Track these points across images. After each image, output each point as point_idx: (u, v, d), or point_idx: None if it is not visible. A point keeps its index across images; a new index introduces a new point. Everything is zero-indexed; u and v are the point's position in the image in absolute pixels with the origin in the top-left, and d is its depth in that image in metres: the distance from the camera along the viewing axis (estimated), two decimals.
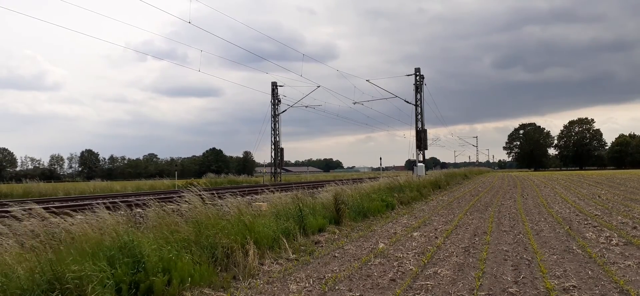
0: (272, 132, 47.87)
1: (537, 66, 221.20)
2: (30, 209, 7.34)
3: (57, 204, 15.45)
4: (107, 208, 7.62)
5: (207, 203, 8.78)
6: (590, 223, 12.22)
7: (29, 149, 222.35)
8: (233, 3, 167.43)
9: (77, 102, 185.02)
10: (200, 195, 8.87)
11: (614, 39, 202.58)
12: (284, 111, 48.69)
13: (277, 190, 15.76)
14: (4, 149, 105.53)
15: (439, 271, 7.23)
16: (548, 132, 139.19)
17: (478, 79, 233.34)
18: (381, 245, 9.58)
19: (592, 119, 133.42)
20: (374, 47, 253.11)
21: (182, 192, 9.29)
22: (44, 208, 7.61)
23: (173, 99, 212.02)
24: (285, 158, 54.09)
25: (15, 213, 7.10)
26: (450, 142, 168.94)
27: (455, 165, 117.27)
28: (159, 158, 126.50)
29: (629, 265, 7.33)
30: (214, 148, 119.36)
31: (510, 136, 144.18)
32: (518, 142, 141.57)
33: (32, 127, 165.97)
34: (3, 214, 8.55)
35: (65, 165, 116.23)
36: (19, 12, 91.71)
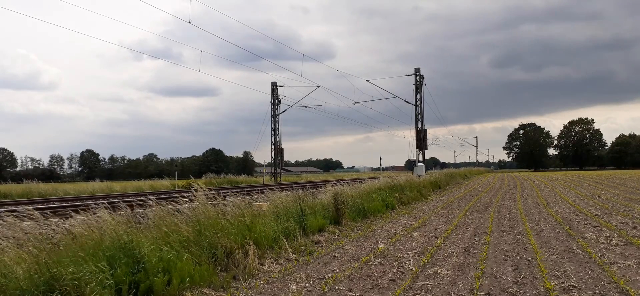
0: (272, 132, 47.87)
1: (534, 65, 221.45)
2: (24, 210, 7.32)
3: (57, 203, 15.45)
4: (107, 208, 7.61)
5: (207, 203, 8.78)
6: (590, 223, 12.21)
7: (28, 149, 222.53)
8: (225, 2, 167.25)
9: (73, 102, 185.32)
10: (200, 195, 8.87)
11: (612, 38, 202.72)
12: (284, 111, 48.75)
13: (278, 190, 15.76)
14: (4, 149, 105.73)
15: (439, 271, 7.22)
16: (548, 133, 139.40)
17: (475, 79, 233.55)
18: (381, 245, 9.58)
19: (592, 119, 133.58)
20: (370, 46, 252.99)
21: (183, 192, 9.29)
22: (41, 210, 7.60)
23: (170, 98, 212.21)
24: (285, 158, 54.10)
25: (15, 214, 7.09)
26: (450, 143, 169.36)
27: (455, 165, 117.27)
28: (158, 158, 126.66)
29: (629, 265, 7.33)
30: (214, 148, 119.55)
31: (510, 136, 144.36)
32: (518, 143, 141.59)
33: (29, 127, 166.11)
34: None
35: (65, 165, 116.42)
36: (11, 10, 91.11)
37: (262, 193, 17.40)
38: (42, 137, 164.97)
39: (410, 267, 7.57)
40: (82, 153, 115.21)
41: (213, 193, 9.42)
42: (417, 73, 41.07)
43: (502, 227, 12.03)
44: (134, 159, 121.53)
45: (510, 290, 6.12)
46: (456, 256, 8.32)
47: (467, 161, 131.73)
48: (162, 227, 7.41)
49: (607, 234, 10.22)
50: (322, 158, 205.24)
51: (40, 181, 42.66)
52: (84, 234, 6.32)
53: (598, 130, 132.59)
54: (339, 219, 12.61)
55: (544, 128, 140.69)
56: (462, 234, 10.92)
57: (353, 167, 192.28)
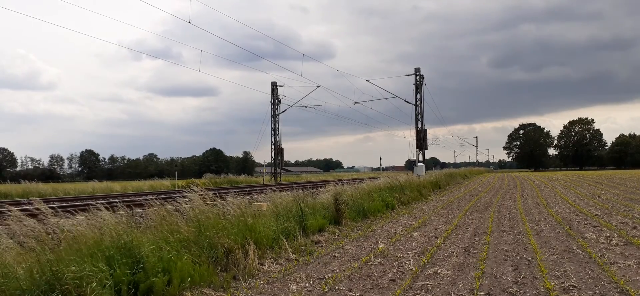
0: (272, 132, 47.92)
1: (534, 65, 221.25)
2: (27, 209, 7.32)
3: (57, 204, 15.41)
4: (107, 208, 7.61)
5: (207, 203, 8.78)
6: (590, 223, 12.21)
7: (27, 149, 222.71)
8: (224, 1, 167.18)
9: (72, 102, 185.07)
10: (201, 195, 8.88)
11: (612, 38, 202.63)
12: (284, 111, 48.78)
13: (278, 190, 15.76)
14: (4, 149, 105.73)
15: (439, 271, 7.22)
16: (548, 132, 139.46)
17: (475, 79, 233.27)
18: (381, 245, 9.58)
19: (592, 119, 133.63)
20: (369, 46, 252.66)
21: (183, 192, 9.29)
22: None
23: (169, 98, 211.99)
24: (285, 158, 54.13)
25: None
26: (450, 143, 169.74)
27: (455, 165, 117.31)
28: (159, 158, 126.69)
29: (629, 265, 7.33)
30: (214, 148, 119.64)
31: (510, 136, 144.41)
32: (518, 143, 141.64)
33: (28, 127, 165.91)
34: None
35: (65, 165, 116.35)
36: (10, 10, 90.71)
37: (262, 192, 17.41)
38: (41, 137, 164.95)
39: (410, 267, 7.57)
40: (82, 153, 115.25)
41: (211, 193, 9.42)
42: (417, 73, 41.09)
43: (502, 227, 12.03)
44: (134, 159, 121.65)
45: (510, 290, 6.12)
46: (456, 256, 8.32)
47: (467, 161, 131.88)
48: (163, 227, 7.42)
49: (607, 234, 10.22)
50: (322, 158, 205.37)
51: (39, 181, 42.63)
52: (84, 234, 6.32)
53: (598, 130, 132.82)
54: (339, 219, 12.61)
55: (544, 128, 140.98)
56: (462, 234, 10.92)
57: (353, 167, 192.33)
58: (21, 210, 7.23)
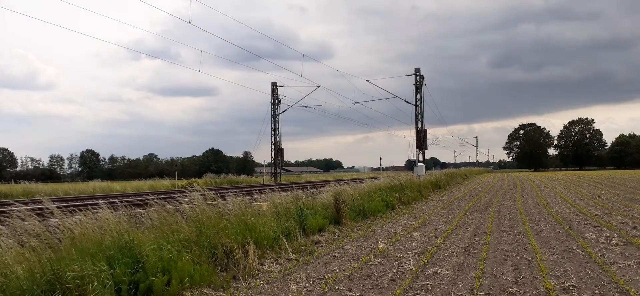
0: (272, 132, 47.90)
1: (534, 65, 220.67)
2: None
3: (57, 203, 15.41)
4: (109, 207, 7.61)
5: (208, 203, 8.79)
6: (590, 223, 12.22)
7: (27, 149, 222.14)
8: (223, 1, 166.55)
9: (71, 102, 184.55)
10: (202, 195, 8.89)
11: (611, 38, 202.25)
12: (284, 111, 48.77)
13: (278, 190, 15.77)
14: (4, 149, 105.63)
15: (439, 271, 7.23)
16: (548, 132, 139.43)
17: (475, 79, 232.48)
18: (381, 245, 9.59)
19: (592, 119, 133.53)
20: (369, 46, 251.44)
21: (183, 192, 9.31)
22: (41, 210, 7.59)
23: (169, 98, 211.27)
24: (285, 158, 54.11)
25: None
26: (450, 143, 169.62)
27: (455, 165, 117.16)
28: (159, 158, 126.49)
29: (629, 265, 7.33)
30: (213, 148, 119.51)
31: (510, 136, 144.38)
32: (518, 143, 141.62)
33: (27, 127, 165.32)
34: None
35: (65, 165, 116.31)
36: (10, 9, 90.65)
37: (262, 193, 17.41)
38: (40, 137, 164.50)
39: (410, 267, 7.57)
40: (82, 153, 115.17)
41: (212, 193, 9.42)
42: (417, 73, 41.08)
43: (502, 227, 12.03)
44: (134, 159, 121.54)
45: (510, 290, 6.12)
46: (456, 256, 8.33)
47: (467, 161, 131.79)
48: (163, 226, 7.43)
49: (607, 234, 10.23)
50: (322, 158, 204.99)
51: (39, 181, 42.64)
52: (84, 234, 6.33)
53: (598, 130, 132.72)
54: (339, 219, 12.61)
55: (544, 128, 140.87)
56: (462, 234, 10.92)
57: (353, 167, 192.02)
58: (27, 209, 7.24)
